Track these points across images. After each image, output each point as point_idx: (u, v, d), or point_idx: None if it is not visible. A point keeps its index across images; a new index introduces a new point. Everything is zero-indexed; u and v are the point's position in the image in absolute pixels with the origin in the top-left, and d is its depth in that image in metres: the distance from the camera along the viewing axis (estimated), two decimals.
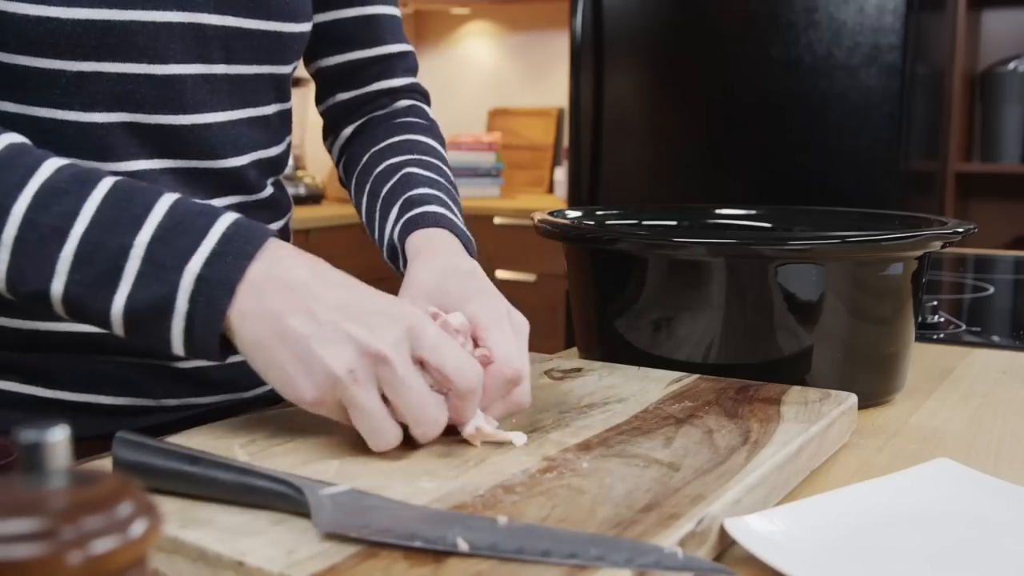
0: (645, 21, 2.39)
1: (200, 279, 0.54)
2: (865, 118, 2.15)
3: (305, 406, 0.54)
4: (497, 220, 3.07)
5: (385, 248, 0.79)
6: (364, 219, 0.84)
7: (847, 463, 0.63)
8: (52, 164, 0.57)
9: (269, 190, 0.82)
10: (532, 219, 0.85)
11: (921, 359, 0.92)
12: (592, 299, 0.80)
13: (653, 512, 0.46)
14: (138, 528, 0.26)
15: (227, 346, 0.56)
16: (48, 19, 0.62)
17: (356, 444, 0.56)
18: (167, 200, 0.57)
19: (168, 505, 0.47)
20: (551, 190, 3.50)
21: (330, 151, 0.95)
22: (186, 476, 0.48)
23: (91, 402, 0.73)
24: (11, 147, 0.58)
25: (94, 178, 0.57)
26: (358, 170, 0.87)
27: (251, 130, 0.77)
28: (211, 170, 0.74)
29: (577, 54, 2.45)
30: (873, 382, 0.76)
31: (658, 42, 2.39)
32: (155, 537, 0.27)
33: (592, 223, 0.91)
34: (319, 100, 0.92)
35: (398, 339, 0.53)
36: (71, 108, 0.66)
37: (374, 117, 0.90)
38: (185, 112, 0.70)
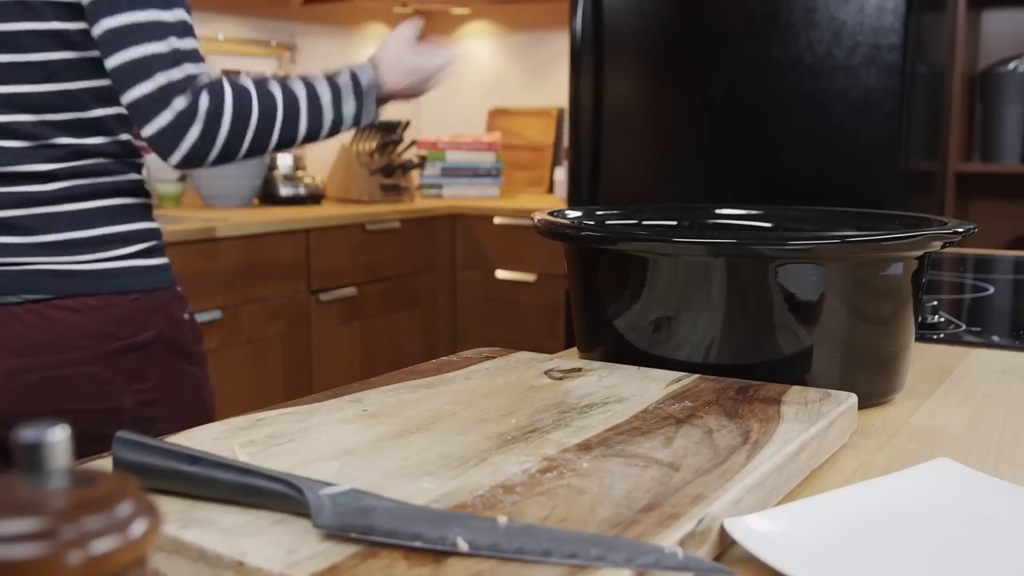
0: (645, 21, 2.39)
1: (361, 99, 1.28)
2: (865, 118, 2.15)
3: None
4: (497, 220, 3.07)
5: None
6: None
7: (847, 463, 0.63)
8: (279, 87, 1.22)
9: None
10: (532, 219, 0.85)
11: (921, 359, 0.92)
12: (592, 299, 0.80)
13: (653, 512, 0.46)
14: (138, 528, 0.26)
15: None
16: None
17: (356, 444, 0.55)
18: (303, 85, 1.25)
19: (168, 505, 0.47)
20: (551, 190, 3.50)
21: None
22: (186, 476, 0.48)
23: None
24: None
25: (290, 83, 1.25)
26: None
27: None
28: None
29: (577, 54, 2.45)
30: (873, 382, 0.76)
31: (658, 42, 2.39)
32: (155, 537, 0.27)
33: (592, 223, 0.91)
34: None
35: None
36: None
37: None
38: None
